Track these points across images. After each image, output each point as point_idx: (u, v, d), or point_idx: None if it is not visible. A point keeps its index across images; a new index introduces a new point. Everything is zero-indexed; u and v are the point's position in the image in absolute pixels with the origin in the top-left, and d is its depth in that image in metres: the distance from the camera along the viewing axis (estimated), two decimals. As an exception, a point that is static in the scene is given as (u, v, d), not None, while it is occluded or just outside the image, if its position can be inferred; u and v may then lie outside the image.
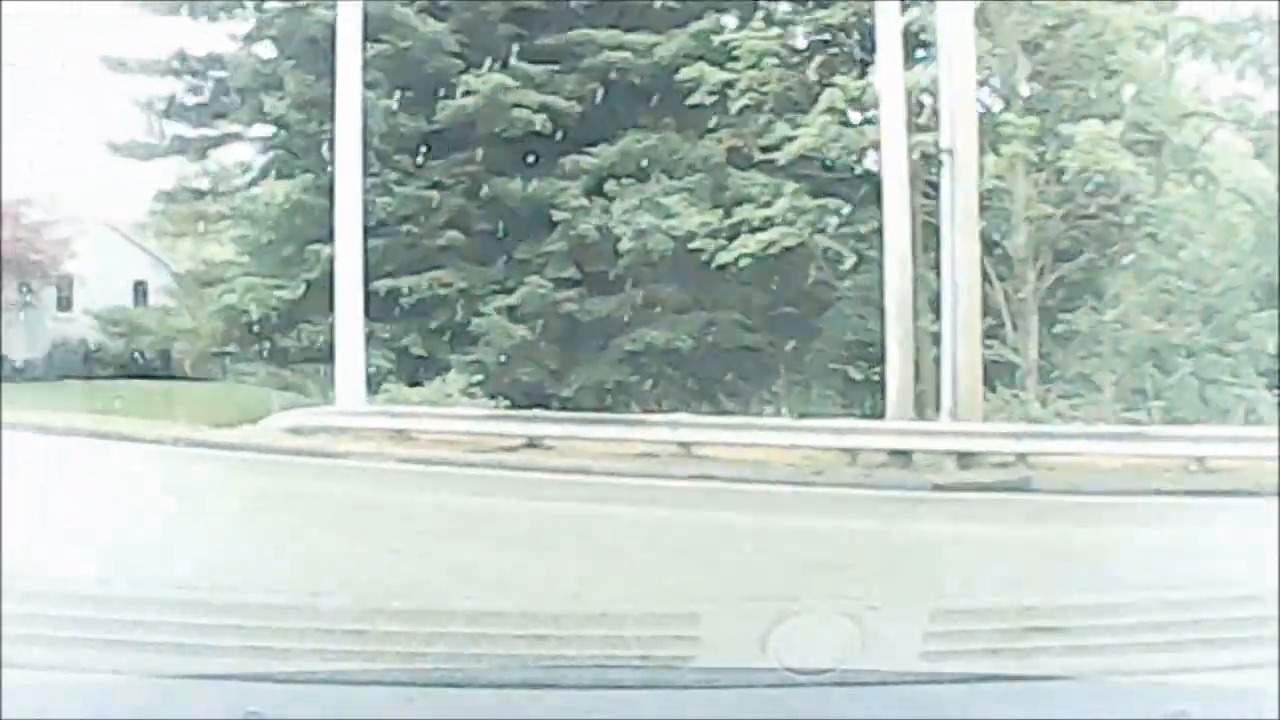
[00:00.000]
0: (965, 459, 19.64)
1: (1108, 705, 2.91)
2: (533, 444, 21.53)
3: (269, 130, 28.94)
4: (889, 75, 22.27)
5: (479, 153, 26.95)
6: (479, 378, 24.67)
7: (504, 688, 2.91)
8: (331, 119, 24.79)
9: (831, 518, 14.31)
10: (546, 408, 24.78)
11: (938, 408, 21.31)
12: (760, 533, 11.13)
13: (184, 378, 32.54)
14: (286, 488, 18.02)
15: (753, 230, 25.52)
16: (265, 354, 28.32)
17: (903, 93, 22.37)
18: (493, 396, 24.30)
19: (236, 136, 31.17)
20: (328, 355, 25.79)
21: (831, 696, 2.73)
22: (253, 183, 28.96)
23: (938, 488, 17.97)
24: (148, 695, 2.86)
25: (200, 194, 31.10)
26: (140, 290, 37.48)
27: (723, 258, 25.24)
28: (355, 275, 23.53)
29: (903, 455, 19.60)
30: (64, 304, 36.87)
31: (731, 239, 25.60)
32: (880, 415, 22.49)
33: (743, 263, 25.09)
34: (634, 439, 21.45)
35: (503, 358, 25.74)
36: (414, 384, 25.04)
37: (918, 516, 14.53)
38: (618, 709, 2.76)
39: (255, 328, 26.75)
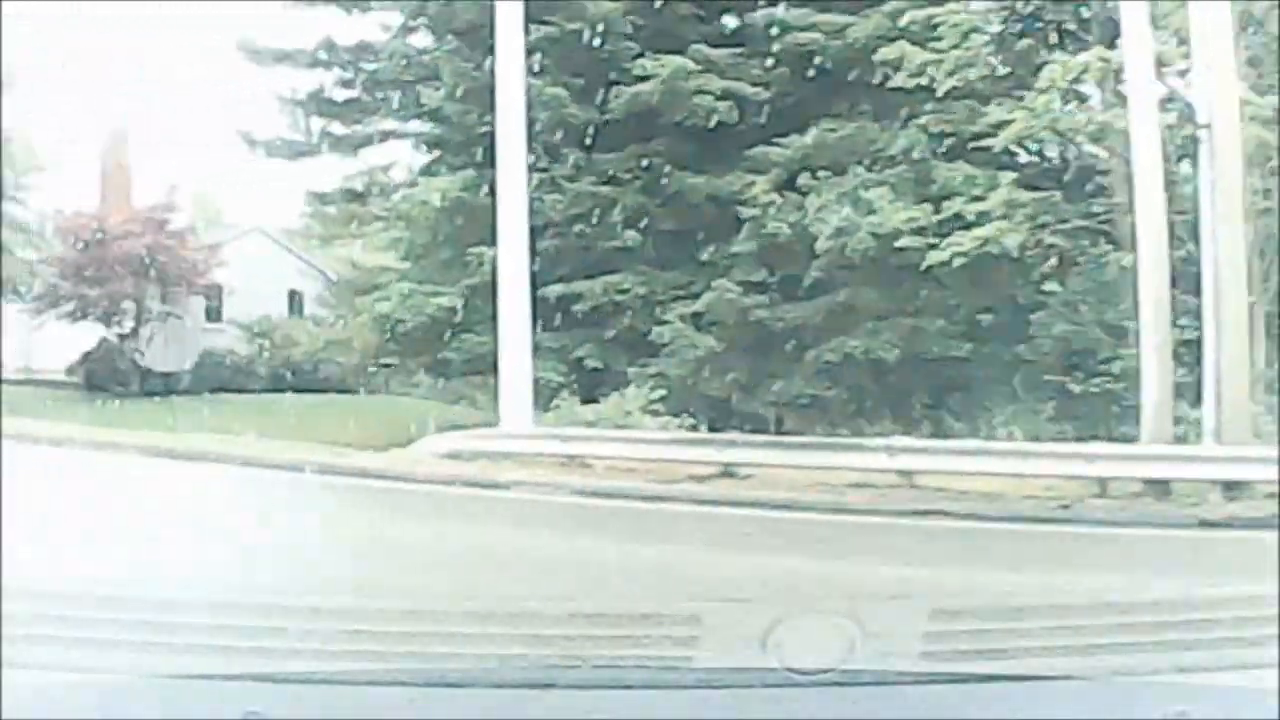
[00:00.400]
0: (1232, 489, 17.27)
1: (1108, 705, 2.93)
2: (728, 472, 19.73)
3: (425, 124, 27.47)
4: (1137, 46, 19.94)
5: (657, 145, 25.39)
6: (661, 393, 23.05)
7: (504, 688, 2.91)
8: (493, 110, 23.40)
9: (1118, 571, 12.13)
10: (735, 425, 22.97)
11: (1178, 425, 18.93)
12: (1063, 608, 8.77)
13: (336, 391, 31.59)
14: (435, 534, 15.56)
15: (966, 226, 23.37)
16: (423, 367, 26.91)
17: (1152, 67, 20.06)
18: (676, 414, 22.59)
19: (391, 133, 29.98)
20: (491, 368, 24.37)
21: (831, 696, 2.73)
22: (409, 182, 27.52)
23: (1205, 524, 16.14)
24: (148, 695, 2.86)
25: (353, 195, 30.08)
26: (295, 299, 37.39)
27: (934, 257, 23.23)
28: (521, 280, 22.04)
29: (1159, 485, 17.28)
30: (213, 314, 36.62)
31: (941, 236, 23.52)
32: (1118, 437, 20.24)
33: (956, 262, 22.88)
34: (845, 466, 19.54)
35: (687, 370, 23.93)
36: (588, 400, 23.45)
37: (1219, 565, 12.36)
38: (618, 709, 2.76)
39: (412, 338, 25.32)
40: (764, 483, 19.21)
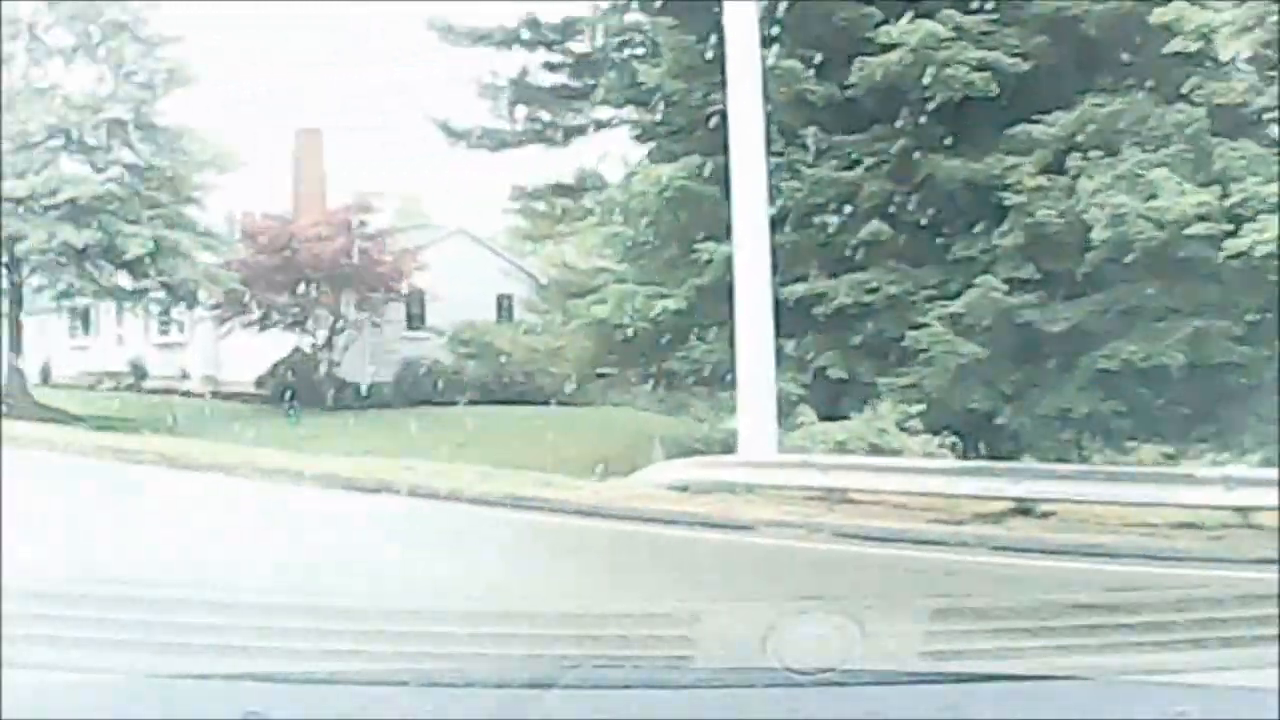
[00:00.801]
0: None
1: (1108, 705, 3.04)
2: (1023, 509, 17.33)
3: (642, 107, 26.01)
4: None
5: (905, 123, 23.58)
6: (919, 407, 21.10)
7: (504, 688, 3.00)
8: (721, 87, 21.88)
9: None
10: (1003, 445, 21.00)
11: None
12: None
13: (546, 403, 30.54)
14: (660, 588, 12.86)
15: (1265, 212, 21.24)
16: (644, 377, 25.54)
17: None
18: (935, 431, 20.73)
19: (604, 123, 28.62)
20: (720, 379, 22.88)
21: (831, 696, 2.82)
22: (627, 172, 26.15)
23: None
24: (148, 695, 2.95)
25: (563, 189, 28.83)
26: (503, 305, 37.08)
27: (1233, 245, 21.10)
28: (761, 279, 20.64)
29: None
30: (414, 321, 36.31)
31: (1234, 223, 21.45)
32: None
33: (1259, 251, 20.82)
34: (1167, 501, 17.02)
35: (945, 381, 22.16)
36: (829, 416, 21.63)
37: None
38: (618, 709, 2.85)
39: (632, 346, 23.95)
40: (1068, 522, 16.91)
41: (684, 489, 19.41)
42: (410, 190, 38.53)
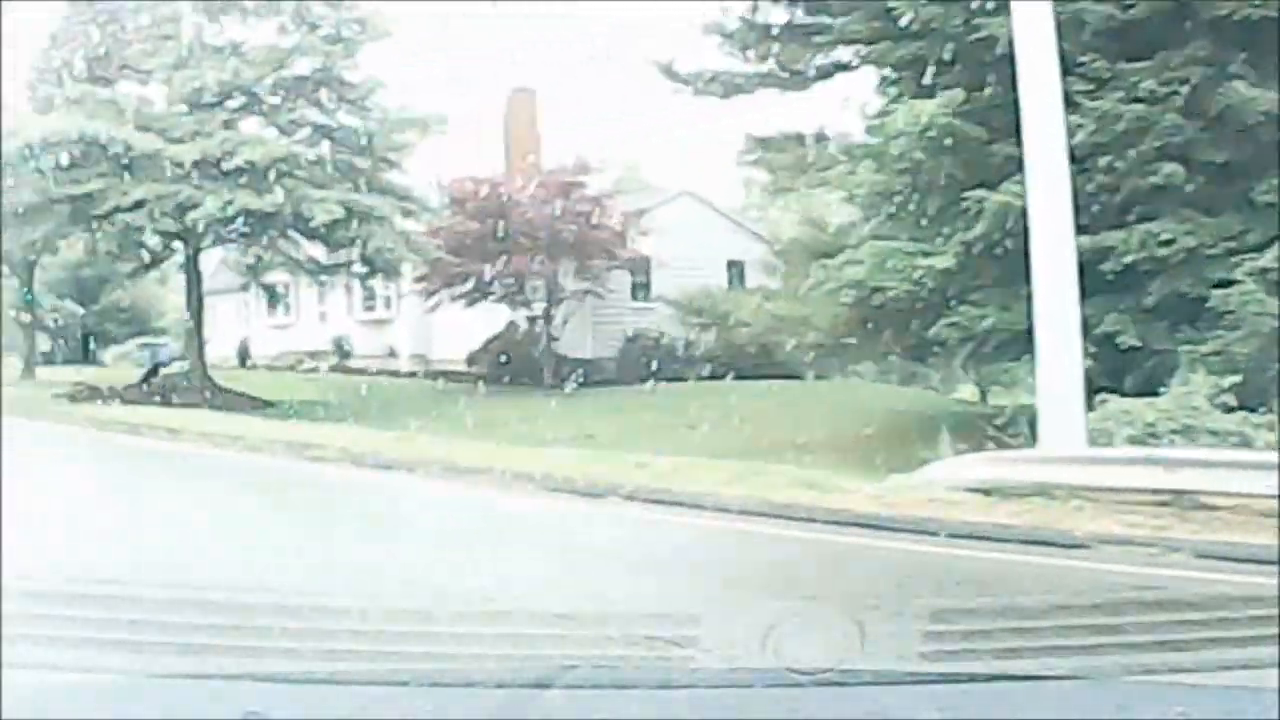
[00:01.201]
0: None
1: (1108, 705, 3.14)
2: None
3: (891, 41, 24.21)
4: None
5: (1198, 48, 21.42)
6: (1233, 379, 18.97)
7: (504, 688, 3.08)
8: (1004, 11, 20.03)
9: None
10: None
11: None
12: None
13: (783, 376, 29.23)
14: None
15: None
16: (905, 347, 23.92)
17: None
18: (1251, 407, 18.58)
19: (845, 65, 26.97)
20: (998, 349, 21.15)
21: (831, 696, 2.92)
22: (879, 112, 24.43)
23: None
24: (148, 695, 3.06)
25: (803, 139, 27.11)
26: (735, 270, 36.43)
27: None
28: (1060, 231, 18.32)
29: None
30: (640, 291, 35.45)
31: None
32: None
33: None
34: None
35: (1256, 347, 20.02)
36: (1122, 391, 19.62)
37: None
38: (618, 709, 2.95)
39: (890, 311, 22.26)
40: None
41: (989, 492, 15.91)
42: (631, 150, 37.49)
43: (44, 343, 54.31)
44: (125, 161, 28.77)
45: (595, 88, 44.48)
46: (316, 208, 28.99)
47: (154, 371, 34.27)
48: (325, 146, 31.30)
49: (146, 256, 32.56)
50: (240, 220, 29.77)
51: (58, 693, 3.14)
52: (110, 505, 15.28)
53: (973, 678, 3.38)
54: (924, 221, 22.48)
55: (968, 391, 33.84)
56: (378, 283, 35.61)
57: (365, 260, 31.70)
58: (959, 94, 21.93)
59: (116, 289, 57.38)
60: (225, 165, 28.90)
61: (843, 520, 14.55)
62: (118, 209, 29.09)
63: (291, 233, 31.48)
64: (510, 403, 28.73)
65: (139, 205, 28.90)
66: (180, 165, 28.74)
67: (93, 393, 30.59)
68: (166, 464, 21.36)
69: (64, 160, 28.45)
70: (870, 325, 23.59)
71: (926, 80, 23.00)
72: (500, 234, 31.17)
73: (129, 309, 58.99)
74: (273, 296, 36.91)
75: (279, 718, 2.77)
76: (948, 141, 21.68)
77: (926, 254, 21.90)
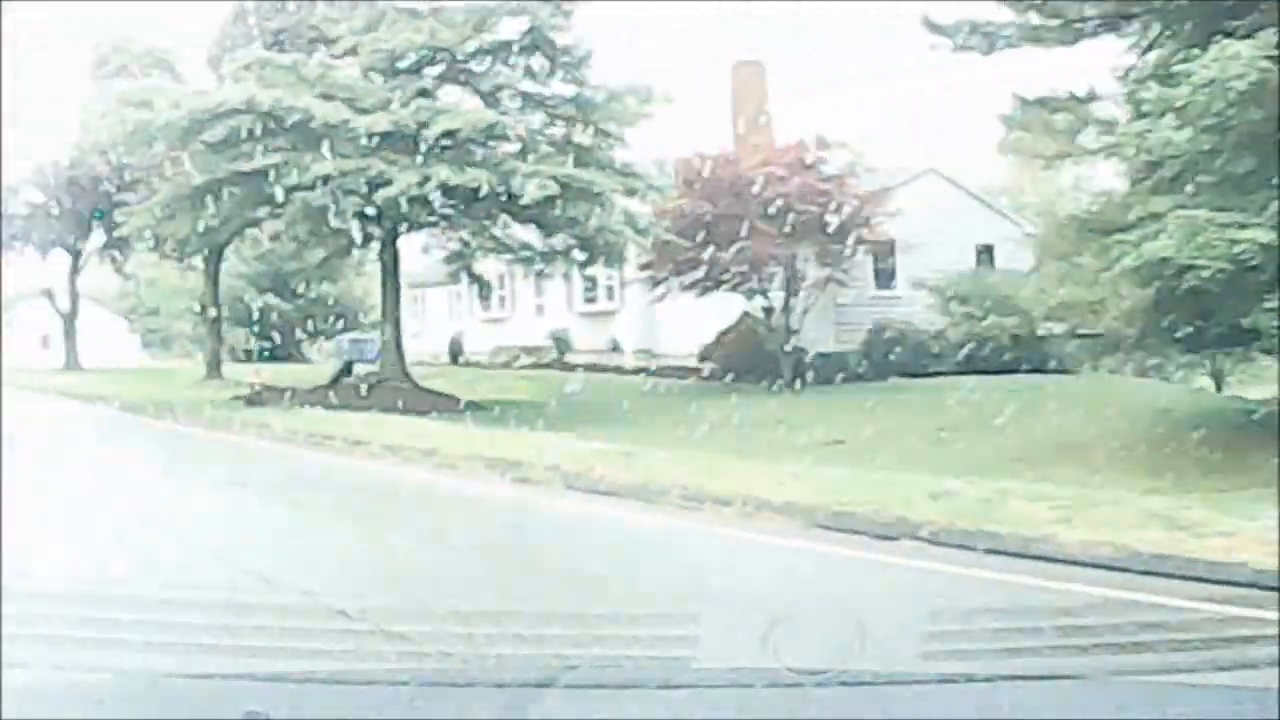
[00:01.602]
0: None
1: (1108, 705, 3.19)
2: None
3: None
4: None
5: None
6: None
7: (504, 688, 3.14)
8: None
9: None
10: None
11: None
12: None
13: (1028, 370, 27.48)
14: None
15: None
16: (1211, 338, 20.81)
17: None
18: None
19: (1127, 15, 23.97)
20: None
21: (831, 696, 2.97)
22: (1162, 63, 21.38)
23: None
24: (148, 695, 3.11)
25: (1080, 98, 24.11)
26: (984, 255, 33.79)
27: None
28: None
29: None
30: (883, 278, 33.58)
31: None
32: None
33: None
34: None
35: None
36: None
37: None
38: (618, 709, 3.00)
39: (1201, 294, 19.10)
40: None
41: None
42: (867, 125, 35.11)
43: (244, 339, 53.56)
44: (307, 134, 26.45)
45: (826, 58, 41.99)
46: (527, 183, 26.19)
47: (346, 370, 31.72)
48: (535, 118, 28.80)
49: (338, 241, 30.02)
50: (439, 198, 27.00)
51: (58, 693, 3.16)
52: (237, 554, 10.92)
53: (973, 678, 3.36)
54: (1236, 188, 19.33)
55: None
56: (599, 271, 33.27)
57: (584, 244, 28.82)
58: (1273, 36, 18.80)
59: (325, 282, 56.61)
60: (421, 137, 26.43)
61: (1243, 580, 9.84)
62: (298, 187, 26.51)
63: (500, 214, 28.77)
64: (747, 403, 26.25)
65: (322, 182, 26.44)
66: (370, 137, 26.44)
67: (274, 395, 28.27)
68: (338, 492, 16.97)
69: (237, 134, 26.49)
70: (1173, 311, 20.44)
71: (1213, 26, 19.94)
72: (735, 215, 28.62)
73: (337, 303, 57.92)
74: (484, 288, 34.68)
75: (279, 718, 2.75)
76: (1262, 93, 18.52)
77: (1243, 225, 18.77)
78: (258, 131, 26.64)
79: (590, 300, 37.36)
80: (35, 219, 47.78)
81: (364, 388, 28.09)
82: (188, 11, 28.88)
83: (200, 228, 28.81)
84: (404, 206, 26.80)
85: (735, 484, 14.01)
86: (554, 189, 26.21)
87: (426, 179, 26.15)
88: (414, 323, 38.01)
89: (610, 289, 36.50)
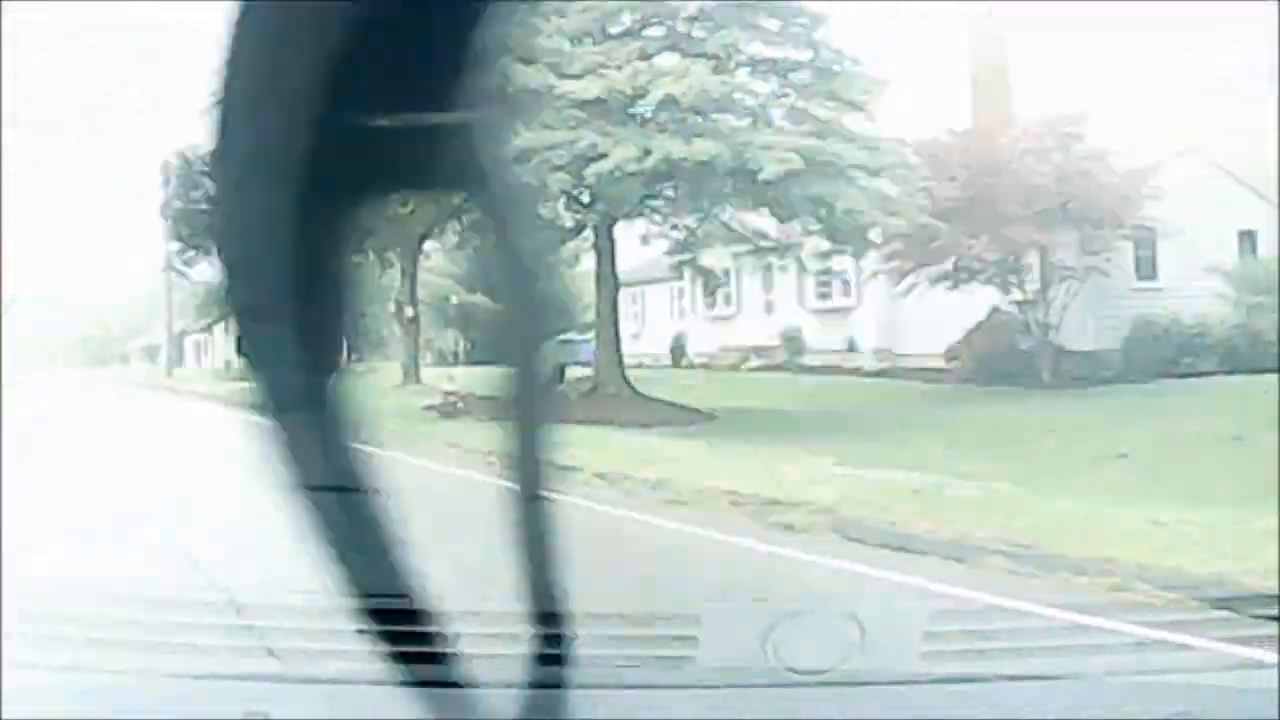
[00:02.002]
0: None
1: (1108, 705, 3.20)
2: None
3: None
4: None
5: None
6: None
7: (504, 688, 2.81)
8: None
9: None
10: None
11: None
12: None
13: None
14: None
15: None
16: None
17: None
18: None
19: None
20: None
21: (831, 696, 3.01)
22: None
23: None
24: (148, 695, 3.14)
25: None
26: (1247, 241, 32.05)
27: None
28: None
29: None
30: (1145, 267, 31.20)
31: None
32: None
33: None
34: None
35: None
36: None
37: None
38: (618, 709, 3.05)
39: None
40: None
41: None
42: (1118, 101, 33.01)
43: (452, 341, 52.35)
44: (505, 102, 23.90)
45: (1070, 30, 39.74)
46: (764, 157, 23.07)
47: (558, 375, 28.14)
48: (765, 86, 25.74)
49: (545, 229, 27.66)
50: (663, 179, 24.38)
51: (58, 692, 3.16)
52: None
53: (973, 678, 3.36)
54: None
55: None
56: (833, 263, 30.86)
57: (829, 229, 25.54)
58: None
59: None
60: (638, 106, 23.99)
61: None
62: None
63: (730, 196, 25.51)
64: (1007, 409, 23.82)
65: (525, 158, 22.75)
66: (578, 105, 23.75)
67: (472, 405, 25.27)
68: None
69: None
70: None
71: None
72: (988, 198, 26.21)
73: (550, 301, 56.16)
74: (711, 282, 32.33)
75: (279, 718, 2.82)
76: None
77: None
78: None
79: (824, 296, 34.95)
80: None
81: (576, 396, 25.26)
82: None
83: (389, 211, 26.21)
84: (620, 186, 23.95)
85: (1077, 537, 11.10)
86: (796, 163, 23.02)
87: (647, 152, 23.22)
88: (632, 323, 35.79)
89: (847, 283, 33.96)
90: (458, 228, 33.13)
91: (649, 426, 21.99)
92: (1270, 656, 4.00)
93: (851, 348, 33.86)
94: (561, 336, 44.27)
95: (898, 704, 3.07)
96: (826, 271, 33.35)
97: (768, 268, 33.41)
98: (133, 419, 30.33)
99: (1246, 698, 3.12)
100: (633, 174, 23.42)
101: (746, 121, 24.68)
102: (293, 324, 1.95)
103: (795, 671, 3.01)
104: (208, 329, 79.12)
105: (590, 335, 37.13)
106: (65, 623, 4.17)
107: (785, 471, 15.19)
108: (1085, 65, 41.88)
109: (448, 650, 3.20)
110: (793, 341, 34.75)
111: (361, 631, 2.90)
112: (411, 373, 35.82)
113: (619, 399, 25.21)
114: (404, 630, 3.13)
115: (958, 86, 32.82)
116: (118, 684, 3.34)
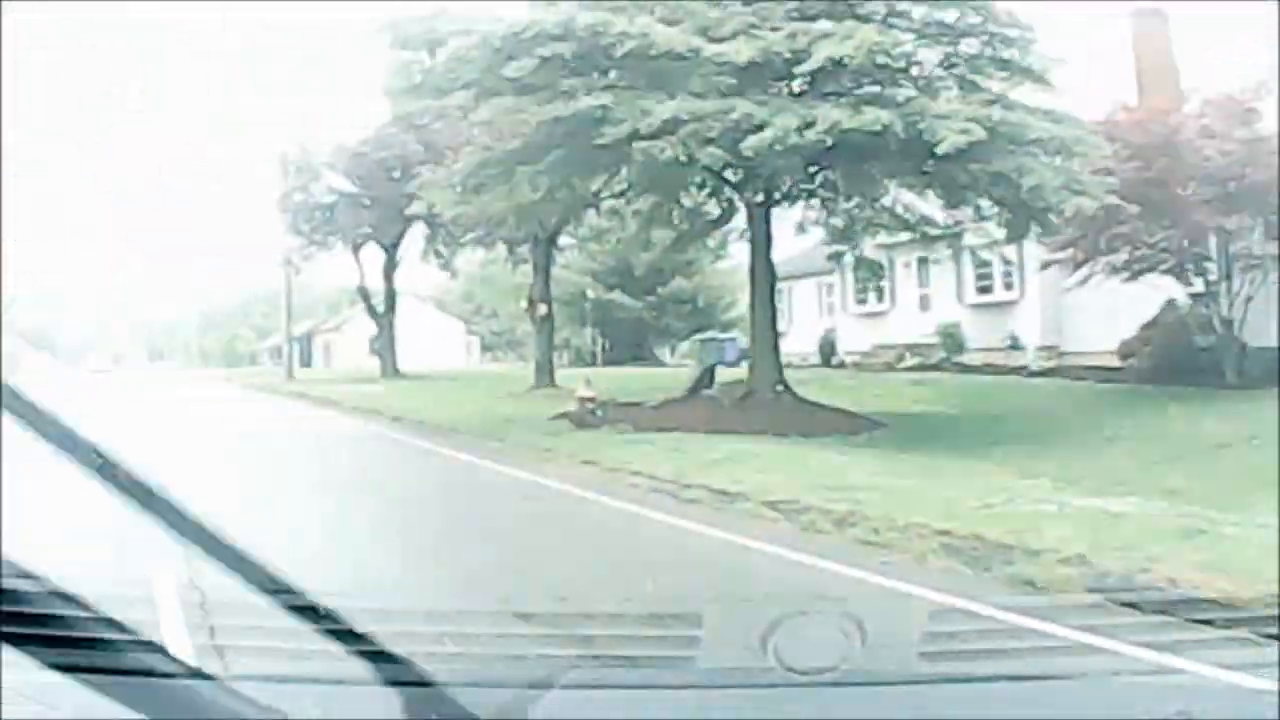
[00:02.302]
0: None
1: (1108, 705, 3.14)
2: None
3: None
4: None
5: None
6: None
7: (504, 688, 3.08)
8: None
9: None
10: None
11: None
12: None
13: None
14: None
15: None
16: None
17: None
18: None
19: None
20: None
21: (831, 696, 2.98)
22: None
23: None
24: (148, 695, 2.84)
25: None
26: None
27: None
28: None
29: None
30: None
31: None
32: None
33: None
34: None
35: None
36: None
37: None
38: (618, 709, 3.00)
39: None
40: None
41: None
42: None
43: (589, 340, 50.88)
44: (645, 67, 20.82)
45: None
46: (940, 127, 19.99)
47: (706, 379, 25.66)
48: (933, 53, 22.58)
49: (693, 216, 25.54)
50: (824, 154, 20.95)
51: (58, 693, 2.87)
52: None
53: (973, 678, 3.31)
54: None
55: None
56: (995, 252, 28.84)
57: (1015, 211, 22.39)
58: None
59: (678, 276, 53.53)
60: (797, 71, 20.76)
61: None
62: (635, 134, 20.43)
63: (899, 175, 22.60)
64: (1191, 412, 21.43)
65: (669, 129, 20.38)
66: (729, 71, 20.62)
67: (612, 412, 22.69)
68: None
69: (553, 67, 20.80)
70: None
71: None
72: (1164, 181, 24.02)
73: (692, 299, 54.80)
74: (874, 274, 30.01)
75: (279, 718, 2.69)
76: None
77: None
78: (579, 65, 20.99)
79: (984, 290, 32.89)
80: (343, 208, 45.10)
81: (729, 402, 22.54)
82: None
83: (516, 201, 23.11)
84: (780, 160, 20.69)
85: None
86: (978, 134, 19.90)
87: (809, 123, 19.94)
88: (778, 321, 34.21)
89: (1008, 275, 31.97)
90: (594, 219, 31.52)
91: (810, 436, 19.22)
92: (1270, 657, 3.83)
93: (1014, 345, 32.03)
94: (702, 335, 42.65)
95: (898, 704, 3.05)
96: (985, 264, 31.88)
97: (922, 260, 31.44)
98: (209, 425, 28.23)
99: (1246, 698, 3.15)
100: (794, 147, 20.20)
101: (913, 92, 21.64)
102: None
103: (795, 671, 2.96)
104: (337, 328, 78.61)
105: (734, 333, 35.29)
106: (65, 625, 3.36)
107: (996, 499, 12.26)
108: (1252, 35, 39.83)
109: (449, 651, 3.48)
110: (950, 339, 33.05)
111: (368, 634, 3.01)
112: (545, 374, 34.05)
113: (777, 405, 22.21)
114: (405, 631, 3.40)
115: (1121, 62, 31.32)
116: (117, 684, 2.95)
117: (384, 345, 46.60)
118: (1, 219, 25.63)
